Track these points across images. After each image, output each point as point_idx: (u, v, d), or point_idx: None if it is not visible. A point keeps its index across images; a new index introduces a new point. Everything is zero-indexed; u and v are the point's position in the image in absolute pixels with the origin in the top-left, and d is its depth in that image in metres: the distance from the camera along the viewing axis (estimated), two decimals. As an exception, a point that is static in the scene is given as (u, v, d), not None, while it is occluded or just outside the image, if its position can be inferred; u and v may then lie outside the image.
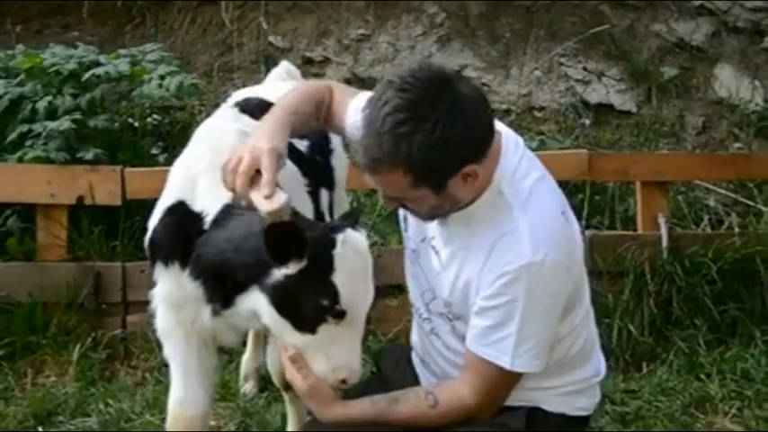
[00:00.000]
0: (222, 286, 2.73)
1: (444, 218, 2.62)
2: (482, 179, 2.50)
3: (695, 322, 4.55)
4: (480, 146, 2.45)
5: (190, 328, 2.93)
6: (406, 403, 2.63)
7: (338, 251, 2.56)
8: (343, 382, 2.59)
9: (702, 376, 4.26)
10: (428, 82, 2.39)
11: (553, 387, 2.70)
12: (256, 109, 3.20)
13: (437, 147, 2.35)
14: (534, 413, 2.68)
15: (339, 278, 2.55)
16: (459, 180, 2.45)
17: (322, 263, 2.55)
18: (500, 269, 2.48)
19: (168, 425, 3.06)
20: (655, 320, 4.53)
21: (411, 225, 2.80)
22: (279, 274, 2.59)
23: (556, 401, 2.71)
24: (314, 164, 3.30)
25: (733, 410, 4.05)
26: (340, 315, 2.56)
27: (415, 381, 2.86)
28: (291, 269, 2.57)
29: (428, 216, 2.63)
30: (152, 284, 2.94)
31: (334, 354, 2.59)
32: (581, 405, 2.77)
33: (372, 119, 2.39)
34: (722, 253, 4.69)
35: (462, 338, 2.63)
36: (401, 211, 2.80)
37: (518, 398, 2.67)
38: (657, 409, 4.01)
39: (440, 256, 2.66)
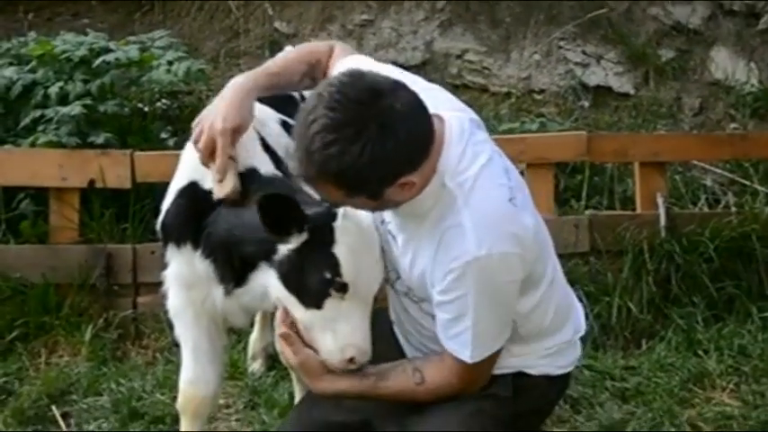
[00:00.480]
0: (233, 265, 2.79)
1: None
2: (421, 182, 2.46)
3: (693, 300, 4.60)
4: (414, 159, 2.40)
5: (201, 308, 2.97)
6: (394, 379, 2.66)
7: (339, 224, 2.59)
8: (352, 361, 2.59)
9: (700, 352, 4.31)
10: (357, 101, 2.31)
11: (536, 351, 2.74)
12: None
13: (366, 166, 2.31)
14: (519, 378, 2.73)
15: (340, 250, 2.57)
16: (395, 188, 2.43)
17: (323, 236, 2.57)
18: (447, 265, 2.47)
19: (179, 403, 3.12)
20: (653, 298, 4.57)
21: None
22: (284, 249, 2.62)
23: (539, 364, 2.76)
24: None
25: (730, 386, 4.09)
26: (343, 288, 2.57)
27: (398, 349, 2.90)
28: (294, 243, 2.60)
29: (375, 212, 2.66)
30: (164, 265, 2.99)
31: (340, 330, 2.59)
32: (563, 363, 2.81)
33: (302, 135, 2.35)
34: (719, 231, 4.74)
35: (431, 316, 2.65)
36: None
37: (502, 365, 2.71)
38: (656, 384, 4.06)
39: (396, 241, 2.67)
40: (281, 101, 3.27)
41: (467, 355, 2.56)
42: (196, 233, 2.84)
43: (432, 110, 2.47)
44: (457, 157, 2.49)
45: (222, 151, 2.69)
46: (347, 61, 2.76)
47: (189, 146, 3.00)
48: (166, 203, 2.95)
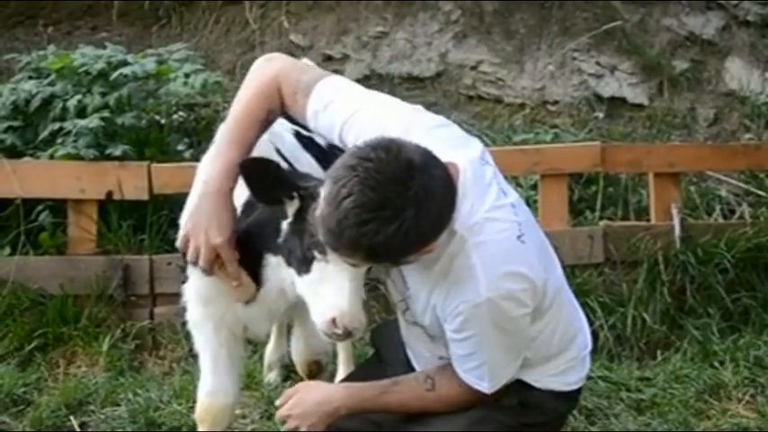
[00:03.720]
0: (250, 273, 2.81)
1: None
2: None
3: (708, 311, 4.60)
4: (441, 230, 2.42)
5: (219, 321, 3.01)
6: (404, 384, 2.71)
7: (325, 189, 2.58)
8: (335, 325, 2.56)
9: (716, 364, 4.30)
10: (394, 181, 2.29)
11: (544, 371, 2.77)
12: None
13: (398, 245, 2.33)
14: (525, 390, 2.75)
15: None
16: (418, 254, 2.45)
17: (312, 201, 2.55)
18: (458, 307, 2.51)
19: (197, 414, 3.15)
20: (668, 309, 4.58)
21: None
22: (284, 225, 2.68)
23: (547, 380, 2.78)
24: (333, 159, 3.34)
25: (746, 397, 4.09)
26: (322, 248, 2.55)
27: (406, 359, 2.92)
28: (291, 216, 2.64)
29: None
30: (184, 279, 3.02)
31: (323, 293, 2.60)
32: (570, 380, 2.83)
33: (334, 206, 2.31)
34: (734, 242, 4.74)
35: (444, 346, 2.68)
36: None
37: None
38: (672, 396, 4.06)
39: (406, 280, 2.69)
40: None
41: (485, 387, 2.63)
42: None
43: (440, 152, 2.45)
44: (470, 205, 2.50)
45: (230, 262, 2.72)
46: (323, 93, 2.69)
47: (205, 159, 3.03)
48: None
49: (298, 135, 3.15)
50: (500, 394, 2.71)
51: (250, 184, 2.62)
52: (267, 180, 2.61)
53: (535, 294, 2.55)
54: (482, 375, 2.62)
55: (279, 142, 2.99)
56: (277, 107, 2.75)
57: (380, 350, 3.15)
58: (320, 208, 2.37)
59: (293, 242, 2.66)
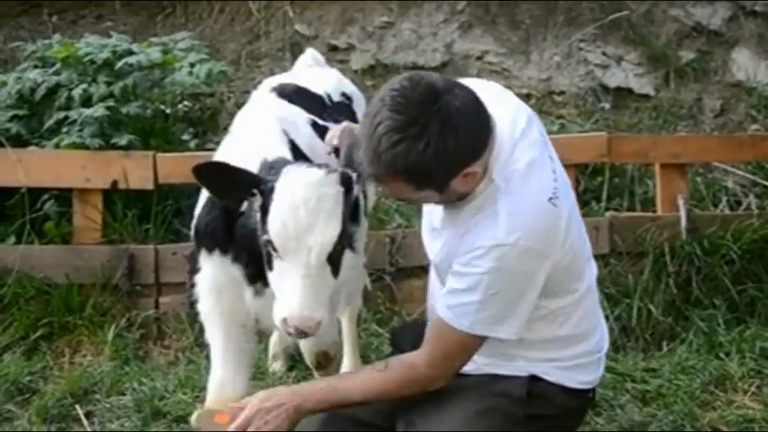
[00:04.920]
0: (260, 266, 2.78)
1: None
2: (481, 172, 2.56)
3: (714, 302, 4.59)
4: (475, 150, 2.51)
5: (230, 313, 3.01)
6: (358, 372, 2.78)
7: (278, 182, 2.60)
8: (295, 330, 2.55)
9: (722, 355, 4.29)
10: (419, 102, 2.43)
11: (556, 359, 2.77)
12: (293, 94, 3.28)
13: (431, 161, 2.43)
14: (535, 382, 2.75)
15: (272, 207, 2.58)
16: (460, 179, 2.53)
17: (270, 196, 2.59)
18: (473, 245, 2.55)
19: (207, 405, 3.12)
20: (674, 300, 4.57)
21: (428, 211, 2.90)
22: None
23: (557, 374, 2.78)
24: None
25: (752, 388, 4.08)
26: (271, 245, 2.57)
27: None
28: (258, 213, 2.64)
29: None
30: (197, 269, 3.03)
31: (279, 291, 2.60)
32: (582, 379, 2.83)
33: (369, 137, 2.46)
34: (741, 233, 4.73)
35: None
36: None
37: (521, 368, 2.76)
38: (677, 387, 4.06)
39: (437, 230, 2.75)
40: (311, 101, 3.28)
41: (465, 325, 2.60)
42: (226, 239, 2.87)
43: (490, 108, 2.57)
44: (506, 155, 2.59)
45: None
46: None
47: (219, 150, 3.06)
48: (198, 209, 2.99)
49: (314, 125, 3.15)
50: (509, 385, 2.71)
51: (208, 187, 2.65)
52: (224, 181, 2.62)
53: (549, 263, 2.58)
54: (466, 313, 2.58)
55: (293, 132, 2.98)
56: None
57: (404, 348, 3.05)
58: (360, 145, 2.51)
59: (261, 238, 2.65)
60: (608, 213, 4.95)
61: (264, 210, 2.60)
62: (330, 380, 2.78)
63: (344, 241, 2.67)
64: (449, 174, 2.50)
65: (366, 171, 2.53)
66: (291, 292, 2.56)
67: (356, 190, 2.74)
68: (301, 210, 2.56)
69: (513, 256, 2.52)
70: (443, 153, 2.43)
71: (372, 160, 2.47)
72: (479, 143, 2.52)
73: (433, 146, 2.41)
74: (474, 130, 2.49)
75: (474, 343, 2.65)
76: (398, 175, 2.48)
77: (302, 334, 2.57)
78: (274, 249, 2.58)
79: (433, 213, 2.80)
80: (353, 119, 3.49)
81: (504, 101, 2.73)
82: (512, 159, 2.59)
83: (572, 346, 2.78)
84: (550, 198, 2.59)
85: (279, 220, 2.56)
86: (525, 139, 2.64)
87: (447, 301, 2.63)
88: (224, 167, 2.65)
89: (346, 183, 2.67)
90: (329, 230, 2.58)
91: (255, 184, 2.63)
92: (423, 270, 4.63)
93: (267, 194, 2.60)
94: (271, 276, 2.65)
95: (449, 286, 2.63)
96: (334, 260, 2.63)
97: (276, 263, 2.60)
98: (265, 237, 2.59)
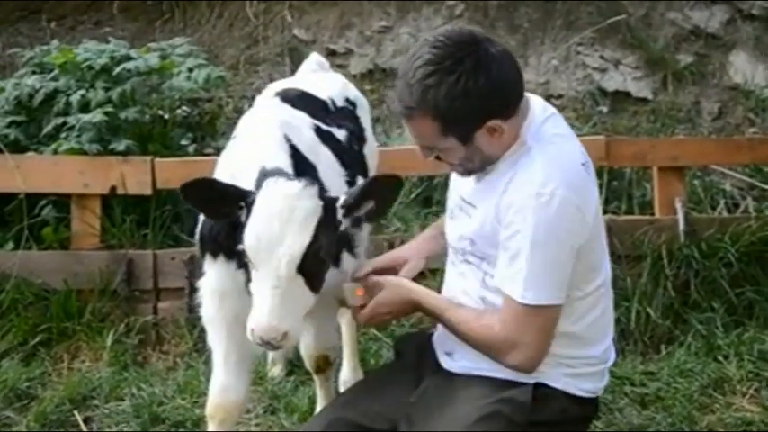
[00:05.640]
0: None
1: (481, 175, 2.73)
2: (508, 137, 2.62)
3: (712, 305, 4.58)
4: (504, 101, 2.59)
5: (233, 318, 2.98)
6: (465, 310, 2.75)
7: (258, 195, 2.62)
8: (261, 341, 2.55)
9: (720, 358, 4.29)
10: (459, 42, 2.55)
11: (564, 359, 2.76)
12: (297, 99, 3.28)
13: (460, 97, 2.52)
14: (540, 389, 2.75)
15: (250, 219, 2.60)
16: (484, 133, 2.59)
17: (251, 208, 2.61)
18: (512, 197, 2.60)
19: (208, 410, 3.13)
20: (672, 303, 4.56)
21: (454, 187, 2.92)
22: None
23: (563, 381, 2.78)
24: (351, 153, 3.35)
25: (751, 391, 4.07)
26: (245, 255, 2.59)
27: (437, 366, 2.92)
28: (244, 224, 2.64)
29: (464, 171, 2.75)
30: (200, 275, 3.04)
31: (252, 302, 2.61)
32: (587, 387, 2.83)
33: (405, 71, 2.58)
34: (738, 236, 4.73)
35: (483, 281, 2.75)
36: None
37: (525, 375, 2.74)
38: (676, 390, 4.05)
39: (470, 203, 2.77)
40: (315, 106, 3.29)
41: (519, 294, 2.61)
42: (230, 244, 2.84)
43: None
44: (538, 123, 2.69)
45: None
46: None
47: (222, 155, 3.04)
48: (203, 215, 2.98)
49: (317, 130, 3.15)
50: (514, 390, 2.71)
51: (196, 206, 2.67)
52: (211, 197, 2.64)
53: (584, 221, 2.63)
54: (518, 281, 2.60)
55: (296, 138, 2.98)
56: None
57: (408, 356, 3.10)
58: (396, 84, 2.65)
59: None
60: (606, 216, 4.90)
61: (245, 221, 2.63)
62: (447, 301, 2.82)
63: (324, 255, 2.67)
64: (475, 117, 2.57)
65: (398, 106, 2.63)
66: (260, 302, 2.57)
67: (342, 219, 2.74)
68: (275, 221, 2.58)
69: (552, 206, 2.55)
70: (473, 90, 2.51)
71: (405, 92, 2.57)
72: (509, 95, 2.60)
73: (463, 81, 2.50)
74: (506, 79, 2.58)
75: (536, 314, 2.64)
76: (427, 112, 2.55)
77: (268, 345, 2.58)
78: (249, 260, 2.60)
79: (460, 189, 2.83)
80: (357, 124, 3.51)
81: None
82: (543, 128, 2.68)
83: (581, 348, 2.78)
84: (583, 164, 2.67)
85: (253, 231, 2.58)
86: (556, 118, 2.75)
87: (503, 277, 2.65)
88: (210, 184, 2.66)
89: (328, 202, 2.68)
90: (299, 241, 2.59)
91: (242, 198, 2.65)
92: (421, 274, 4.61)
93: (250, 207, 2.62)
94: (251, 288, 2.65)
95: (501, 261, 2.65)
96: (309, 273, 2.62)
97: (252, 273, 2.63)
98: (240, 247, 2.61)
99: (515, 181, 2.61)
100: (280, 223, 2.58)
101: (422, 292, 2.82)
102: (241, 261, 2.78)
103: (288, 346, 2.64)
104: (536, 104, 2.73)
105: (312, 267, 2.64)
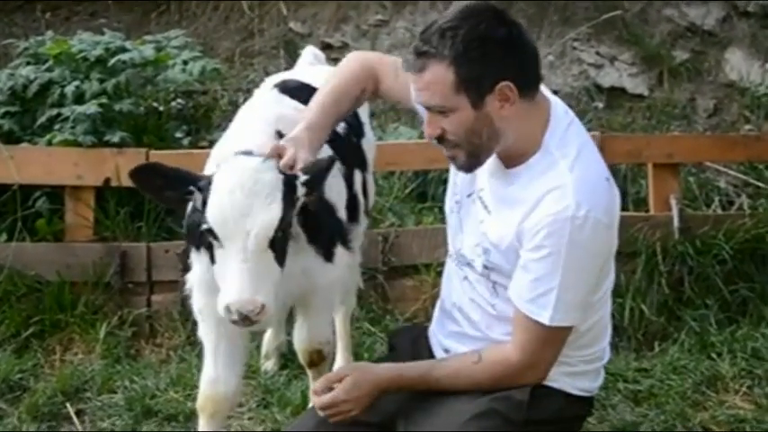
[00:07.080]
0: None
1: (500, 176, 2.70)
2: (522, 122, 2.58)
3: (706, 302, 4.60)
4: (520, 64, 2.56)
5: None
6: (452, 360, 2.73)
7: (216, 174, 2.60)
8: (239, 316, 2.52)
9: (713, 355, 4.30)
10: (486, 8, 2.56)
11: (563, 357, 2.74)
12: (296, 90, 3.27)
13: (478, 40, 2.49)
14: (538, 388, 2.73)
15: (210, 196, 2.57)
16: (495, 99, 2.53)
17: (209, 189, 2.58)
18: (543, 220, 2.54)
19: (199, 402, 3.13)
20: (666, 300, 4.58)
21: (461, 178, 2.86)
22: None
23: (560, 379, 2.77)
24: (350, 146, 3.35)
25: (743, 389, 4.08)
26: (211, 233, 2.56)
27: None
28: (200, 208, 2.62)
29: (466, 157, 2.65)
30: (188, 267, 3.02)
31: (222, 281, 2.58)
32: (584, 386, 2.83)
33: (428, 27, 2.57)
34: (733, 233, 4.74)
35: (494, 289, 2.72)
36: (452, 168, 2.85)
37: None
38: (669, 387, 4.06)
39: (486, 206, 2.73)
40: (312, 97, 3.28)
41: (546, 317, 2.59)
42: None
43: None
44: (562, 130, 2.65)
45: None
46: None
47: (216, 145, 3.04)
48: (190, 206, 2.94)
49: None
50: (512, 390, 2.70)
51: (146, 191, 2.65)
52: (161, 182, 2.61)
53: (611, 240, 2.64)
54: (547, 304, 2.57)
55: (290, 130, 2.96)
56: (370, 87, 3.00)
57: (401, 349, 3.08)
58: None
59: (203, 232, 2.64)
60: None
61: (204, 203, 2.59)
62: (427, 364, 2.76)
63: (288, 229, 2.65)
64: (490, 69, 2.51)
65: (413, 55, 2.55)
66: (232, 278, 2.53)
67: (301, 196, 2.70)
68: (237, 193, 2.54)
69: (585, 229, 2.53)
70: (491, 40, 2.50)
71: (424, 37, 2.54)
72: (526, 60, 2.58)
73: (483, 27, 2.49)
74: (525, 42, 2.57)
75: (559, 333, 2.64)
76: (443, 59, 2.50)
77: (246, 320, 2.53)
78: (215, 238, 2.56)
79: (470, 181, 2.79)
80: (356, 117, 3.49)
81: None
82: (567, 136, 2.64)
83: (582, 346, 2.78)
84: (607, 178, 2.66)
85: (216, 205, 2.54)
86: (577, 124, 2.73)
87: (521, 297, 2.62)
88: (157, 168, 2.63)
89: (290, 176, 2.65)
90: (268, 214, 2.56)
91: (192, 182, 2.62)
92: (415, 269, 4.65)
93: (206, 189, 2.59)
94: (215, 271, 2.62)
95: (519, 282, 2.62)
96: (277, 247, 2.60)
97: (218, 254, 2.58)
98: (205, 226, 2.56)
99: (546, 202, 2.56)
100: (243, 194, 2.54)
101: (393, 369, 2.74)
102: (204, 242, 2.74)
103: (264, 321, 2.59)
104: (558, 109, 2.69)
105: (282, 242, 2.62)
